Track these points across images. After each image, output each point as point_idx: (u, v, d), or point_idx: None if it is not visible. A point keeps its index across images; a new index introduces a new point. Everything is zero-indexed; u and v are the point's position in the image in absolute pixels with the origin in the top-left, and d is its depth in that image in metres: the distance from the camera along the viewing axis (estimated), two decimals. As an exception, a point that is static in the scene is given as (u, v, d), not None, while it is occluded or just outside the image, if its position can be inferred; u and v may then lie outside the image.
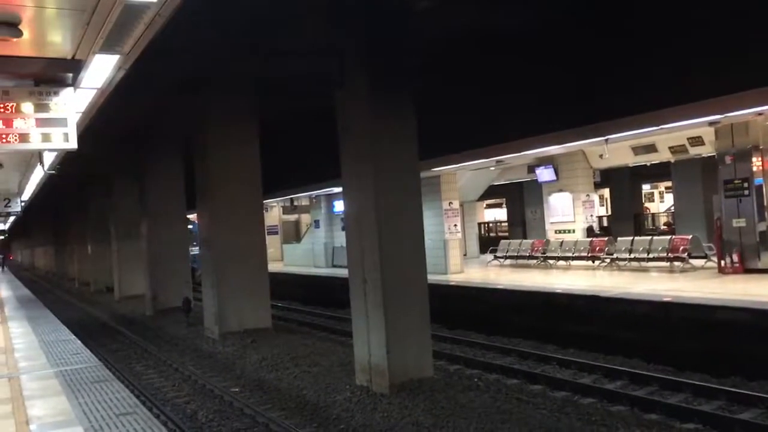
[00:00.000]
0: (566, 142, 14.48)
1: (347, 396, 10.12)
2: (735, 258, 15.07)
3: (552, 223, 22.18)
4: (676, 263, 16.59)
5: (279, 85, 14.83)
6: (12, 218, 30.56)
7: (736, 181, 15.14)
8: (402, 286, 10.23)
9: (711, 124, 13.94)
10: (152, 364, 14.32)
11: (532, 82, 11.35)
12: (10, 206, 19.16)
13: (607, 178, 26.23)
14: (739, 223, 15.05)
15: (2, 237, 54.50)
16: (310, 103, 14.72)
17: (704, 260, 16.62)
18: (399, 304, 10.15)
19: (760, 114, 13.54)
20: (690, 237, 16.88)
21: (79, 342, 11.79)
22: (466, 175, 22.47)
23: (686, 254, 16.40)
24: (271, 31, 10.86)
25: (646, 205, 32.77)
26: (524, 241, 22.39)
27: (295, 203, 31.08)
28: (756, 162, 14.89)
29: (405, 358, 10.18)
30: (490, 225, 37.59)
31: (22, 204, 20.03)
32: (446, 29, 10.89)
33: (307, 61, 11.70)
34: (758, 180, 14.91)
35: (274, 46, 11.61)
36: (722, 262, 15.36)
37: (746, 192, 14.98)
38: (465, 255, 22.99)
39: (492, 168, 22.09)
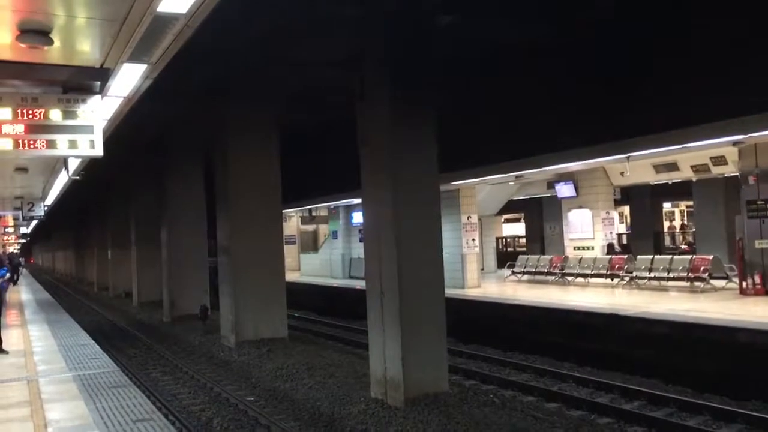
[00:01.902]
0: (587, 159, 14.44)
1: (362, 408, 10.09)
2: (757, 279, 14.87)
3: (571, 239, 22.06)
4: (697, 283, 16.40)
5: (300, 96, 14.97)
6: (34, 222, 30.89)
7: (759, 202, 14.96)
8: (419, 299, 10.21)
9: (735, 143, 13.81)
10: (169, 371, 14.39)
11: (553, 98, 11.34)
12: (33, 210, 19.40)
13: (628, 195, 26.05)
14: (761, 244, 14.85)
15: (24, 240, 54.98)
16: (330, 113, 14.82)
17: (725, 281, 16.41)
18: (416, 318, 10.12)
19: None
20: (711, 257, 16.69)
21: (97, 347, 11.91)
22: (485, 189, 22.42)
23: (707, 274, 16.21)
24: (293, 42, 10.96)
25: (673, 222, 32.41)
26: (542, 256, 22.26)
27: (314, 213, 31.20)
28: (779, 183, 14.73)
29: (421, 372, 10.14)
30: (508, 240, 37.43)
31: (45, 208, 20.27)
32: (469, 43, 10.92)
33: (328, 72, 11.79)
34: (781, 201, 14.73)
35: (296, 57, 11.71)
36: (744, 284, 15.16)
37: (769, 213, 14.80)
38: (482, 270, 22.90)
39: (511, 183, 22.03)
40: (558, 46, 10.78)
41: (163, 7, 5.06)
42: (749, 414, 9.34)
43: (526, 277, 21.52)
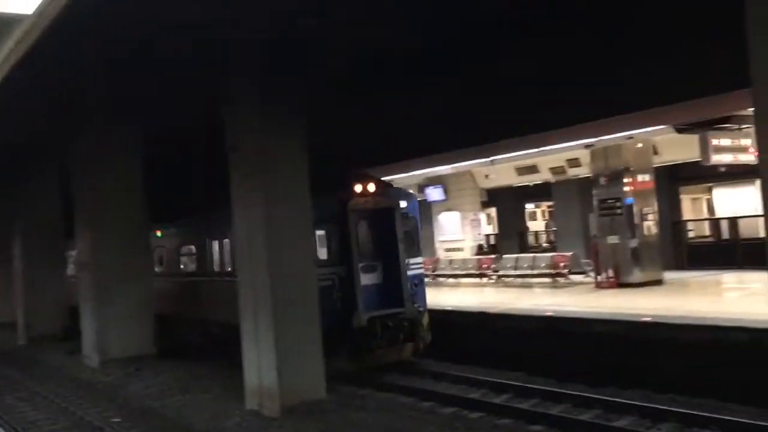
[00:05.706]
0: (453, 163, 14.92)
1: (236, 421, 9.84)
2: (610, 273, 15.95)
3: (441, 241, 22.68)
4: (558, 279, 17.38)
5: (164, 101, 14.29)
6: None
7: (609, 201, 16.08)
8: (293, 307, 10.11)
9: (587, 146, 14.77)
10: (26, 397, 13.38)
11: (416, 104, 11.53)
12: None
13: (494, 197, 27.09)
14: (612, 240, 15.96)
15: None
16: (197, 119, 14.22)
17: (583, 276, 17.51)
18: (290, 326, 10.02)
19: (630, 138, 14.50)
20: (570, 254, 17.75)
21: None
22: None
23: (567, 270, 17.22)
24: (150, 48, 10.24)
25: (528, 223, 33.99)
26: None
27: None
28: (627, 182, 15.89)
29: (296, 380, 10.05)
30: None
31: None
32: (342, 48, 10.74)
33: (191, 73, 11.18)
34: (629, 200, 15.91)
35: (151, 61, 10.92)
36: (598, 278, 16.23)
37: (619, 211, 15.94)
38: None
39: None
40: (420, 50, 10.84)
41: None
42: (606, 399, 9.96)
43: (400, 279, 21.81)
